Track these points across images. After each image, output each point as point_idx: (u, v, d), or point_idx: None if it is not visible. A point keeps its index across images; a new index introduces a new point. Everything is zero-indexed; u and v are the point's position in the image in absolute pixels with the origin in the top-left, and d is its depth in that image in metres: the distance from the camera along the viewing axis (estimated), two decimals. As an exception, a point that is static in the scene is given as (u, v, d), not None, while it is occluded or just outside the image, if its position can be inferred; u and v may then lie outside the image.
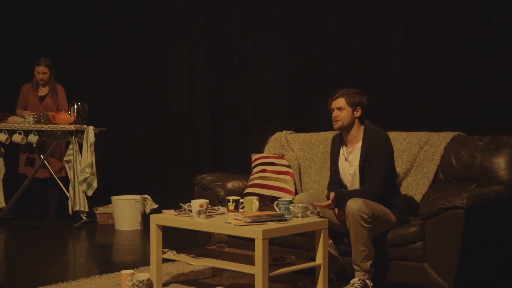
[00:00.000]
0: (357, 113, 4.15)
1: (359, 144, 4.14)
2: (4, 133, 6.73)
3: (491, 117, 5.25)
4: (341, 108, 4.15)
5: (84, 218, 6.71)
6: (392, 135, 4.52)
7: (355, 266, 3.92)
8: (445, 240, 3.81)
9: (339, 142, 4.28)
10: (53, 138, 6.81)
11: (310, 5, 6.31)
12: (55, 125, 6.58)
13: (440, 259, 3.83)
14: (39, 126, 6.64)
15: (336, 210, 4.08)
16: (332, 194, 4.00)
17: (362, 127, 4.17)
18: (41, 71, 6.89)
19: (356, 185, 4.14)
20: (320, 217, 4.06)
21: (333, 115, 4.18)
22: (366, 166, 4.06)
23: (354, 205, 3.86)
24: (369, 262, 3.89)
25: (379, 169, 4.03)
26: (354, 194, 4.01)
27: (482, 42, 5.29)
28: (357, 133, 4.17)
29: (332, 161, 4.31)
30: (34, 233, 6.35)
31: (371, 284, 3.91)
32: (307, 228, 3.88)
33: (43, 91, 6.96)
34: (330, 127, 5.07)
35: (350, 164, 4.17)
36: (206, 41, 7.10)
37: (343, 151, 4.23)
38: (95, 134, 6.59)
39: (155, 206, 6.53)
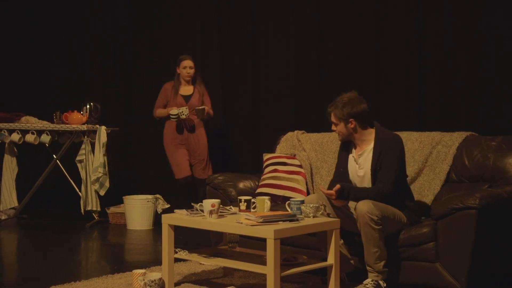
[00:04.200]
0: (351, 125, 4.07)
1: (369, 147, 4.11)
2: (17, 133, 6.77)
3: (504, 117, 5.22)
4: (335, 123, 4.12)
5: (96, 217, 6.74)
6: (404, 135, 4.51)
7: (368, 267, 3.91)
8: (458, 240, 3.79)
9: (348, 144, 4.24)
10: (66, 137, 6.84)
11: (324, 3, 6.29)
12: (68, 125, 6.61)
13: (453, 259, 3.81)
14: (51, 126, 6.67)
15: (339, 203, 4.05)
16: (337, 186, 3.97)
17: (371, 130, 4.12)
18: (188, 65, 6.27)
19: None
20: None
21: (332, 128, 4.17)
22: (378, 169, 4.05)
23: (364, 207, 3.85)
24: (382, 263, 3.88)
25: (389, 170, 4.01)
26: (360, 190, 4.00)
27: (495, 42, 5.26)
28: (365, 137, 4.12)
29: (340, 161, 4.28)
30: (46, 232, 6.38)
31: (385, 285, 3.89)
32: (318, 228, 3.88)
33: (186, 90, 6.35)
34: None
35: (359, 167, 4.15)
36: (218, 41, 7.10)
37: (353, 153, 4.21)
38: (108, 134, 6.61)
39: (167, 206, 6.54)
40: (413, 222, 4.03)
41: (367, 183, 4.11)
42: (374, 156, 4.06)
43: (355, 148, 4.19)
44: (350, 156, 4.21)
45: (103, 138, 6.55)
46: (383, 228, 3.86)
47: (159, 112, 6.35)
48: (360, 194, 3.97)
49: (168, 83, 6.37)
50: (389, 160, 4.01)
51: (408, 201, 4.11)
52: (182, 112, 6.07)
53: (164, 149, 6.36)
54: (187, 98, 6.28)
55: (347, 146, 4.25)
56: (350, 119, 4.05)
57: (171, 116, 6.13)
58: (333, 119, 4.11)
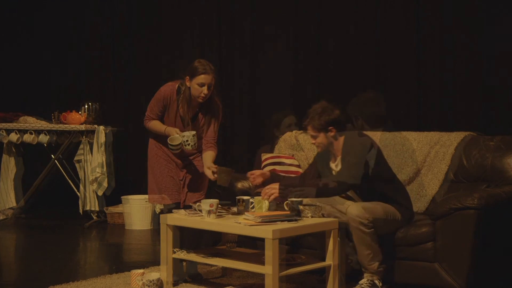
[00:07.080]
0: (332, 133, 4.00)
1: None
2: (16, 133, 6.76)
3: (503, 117, 5.22)
4: (313, 135, 4.04)
5: (95, 217, 6.73)
6: (403, 135, 4.52)
7: (362, 268, 3.92)
8: (456, 240, 3.79)
9: (327, 155, 4.14)
10: (64, 137, 6.83)
11: (324, 3, 6.29)
12: (66, 125, 6.60)
13: (451, 259, 3.81)
14: (50, 126, 6.66)
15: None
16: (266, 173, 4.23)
17: (342, 138, 4.04)
18: (206, 82, 4.17)
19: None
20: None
21: (311, 142, 4.11)
22: None
23: (354, 210, 3.85)
24: (376, 264, 3.88)
25: (345, 166, 3.97)
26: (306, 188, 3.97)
27: (494, 42, 5.27)
28: (341, 145, 4.05)
29: (319, 167, 4.22)
30: (45, 232, 6.38)
31: (381, 284, 3.89)
32: (317, 228, 3.88)
33: (192, 109, 4.33)
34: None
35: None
36: (218, 42, 7.09)
37: (332, 164, 4.13)
38: (106, 134, 6.61)
39: (166, 206, 6.52)
40: (408, 218, 4.02)
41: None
42: (342, 163, 4.02)
43: (332, 160, 4.12)
44: (331, 168, 4.12)
45: (101, 138, 6.55)
46: (376, 230, 3.85)
47: (154, 125, 4.33)
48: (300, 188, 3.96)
49: (168, 86, 4.35)
50: (347, 160, 3.97)
51: (399, 196, 4.06)
52: (187, 141, 4.16)
53: (147, 161, 4.45)
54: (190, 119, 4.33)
55: (324, 158, 4.16)
56: (330, 127, 3.99)
57: (171, 147, 4.18)
58: (311, 132, 4.03)
